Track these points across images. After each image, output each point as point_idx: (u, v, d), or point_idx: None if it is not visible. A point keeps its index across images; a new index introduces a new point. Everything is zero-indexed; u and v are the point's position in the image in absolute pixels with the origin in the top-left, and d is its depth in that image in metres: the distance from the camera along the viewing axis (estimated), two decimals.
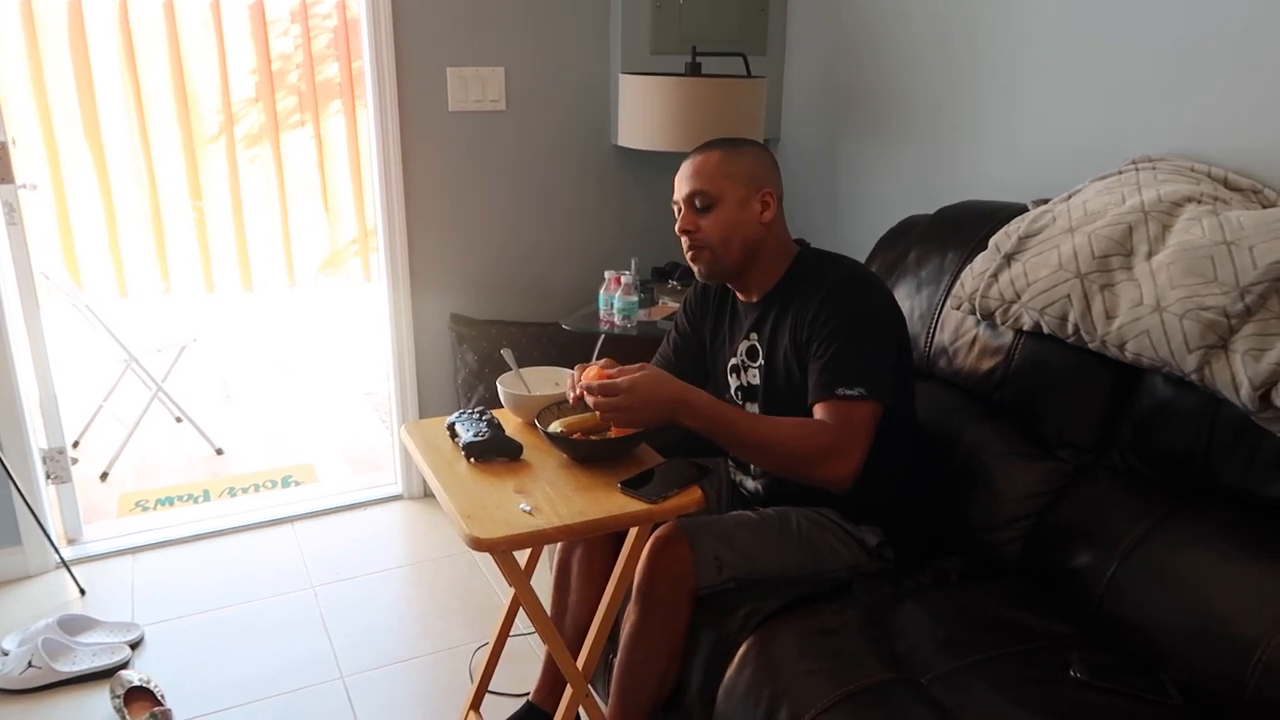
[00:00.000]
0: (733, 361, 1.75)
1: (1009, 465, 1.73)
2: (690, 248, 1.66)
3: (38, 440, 2.61)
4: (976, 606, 1.56)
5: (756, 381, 1.70)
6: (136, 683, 2.06)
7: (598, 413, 1.50)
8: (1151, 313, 1.48)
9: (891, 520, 1.68)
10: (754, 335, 1.70)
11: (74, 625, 2.28)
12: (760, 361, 1.69)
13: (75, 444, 3.51)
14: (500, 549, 1.34)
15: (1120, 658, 1.43)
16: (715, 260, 1.64)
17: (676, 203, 1.67)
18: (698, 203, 1.62)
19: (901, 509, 1.70)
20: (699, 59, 2.53)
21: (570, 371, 1.63)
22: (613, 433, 1.57)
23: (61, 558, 2.56)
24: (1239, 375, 1.36)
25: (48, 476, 2.66)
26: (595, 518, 1.37)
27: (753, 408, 1.72)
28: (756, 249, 1.64)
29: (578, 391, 1.54)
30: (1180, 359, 1.44)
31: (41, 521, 2.53)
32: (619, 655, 1.60)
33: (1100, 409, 1.66)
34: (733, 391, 1.76)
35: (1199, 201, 1.59)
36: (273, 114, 5.10)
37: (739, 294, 1.74)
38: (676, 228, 1.67)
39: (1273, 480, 1.39)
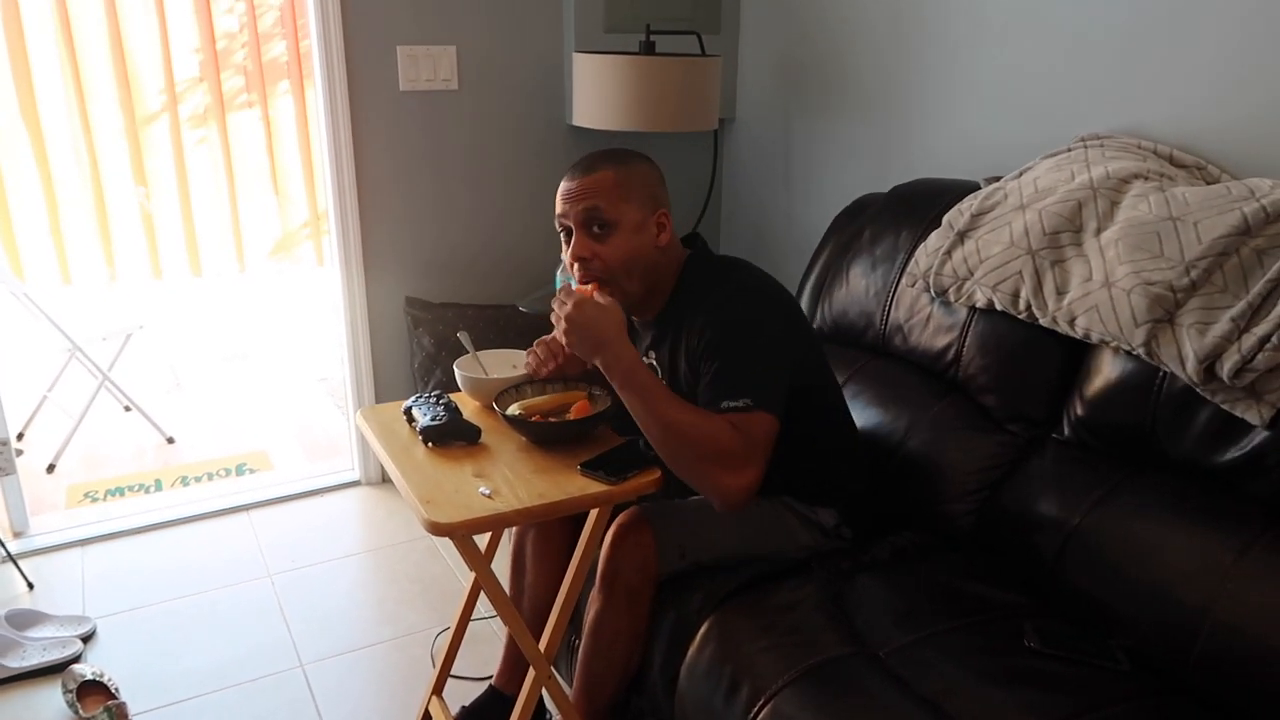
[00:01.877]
0: None
1: (963, 440, 1.76)
2: (585, 279, 1.50)
3: None
4: (932, 580, 1.59)
5: None
6: (90, 676, 2.02)
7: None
8: (1101, 288, 1.51)
9: (844, 501, 1.69)
10: (652, 355, 1.65)
11: (22, 620, 2.22)
12: (663, 380, 1.63)
13: (20, 435, 3.42)
14: (459, 533, 1.33)
15: (1072, 625, 1.46)
16: (617, 291, 1.50)
17: (564, 225, 1.52)
18: (595, 227, 1.48)
19: (849, 490, 1.71)
20: (653, 37, 2.52)
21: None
22: (572, 414, 1.56)
23: (7, 551, 2.50)
24: (1185, 348, 1.39)
25: None
26: (555, 500, 1.37)
27: None
28: (654, 275, 1.55)
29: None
30: (1128, 333, 1.46)
31: None
32: (583, 641, 1.61)
33: (1051, 383, 1.69)
34: None
35: (1146, 178, 1.62)
36: (218, 94, 4.98)
37: (632, 314, 1.66)
38: (567, 255, 1.50)
39: (1216, 450, 1.43)
